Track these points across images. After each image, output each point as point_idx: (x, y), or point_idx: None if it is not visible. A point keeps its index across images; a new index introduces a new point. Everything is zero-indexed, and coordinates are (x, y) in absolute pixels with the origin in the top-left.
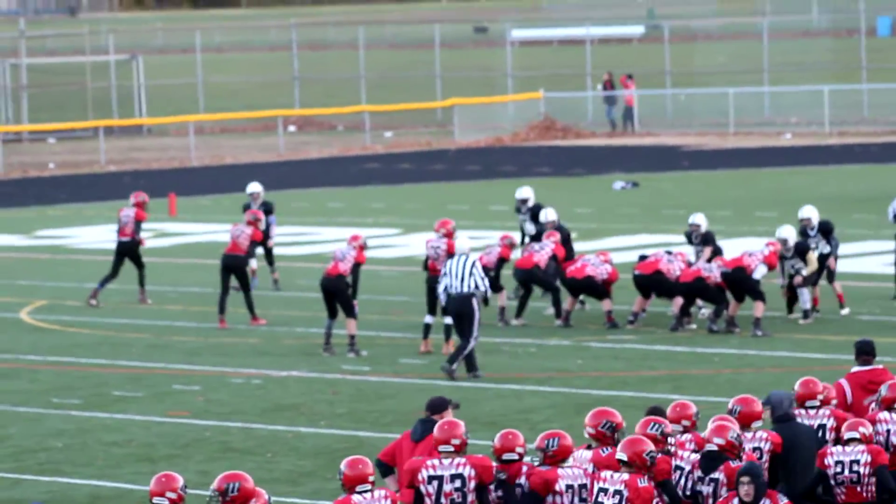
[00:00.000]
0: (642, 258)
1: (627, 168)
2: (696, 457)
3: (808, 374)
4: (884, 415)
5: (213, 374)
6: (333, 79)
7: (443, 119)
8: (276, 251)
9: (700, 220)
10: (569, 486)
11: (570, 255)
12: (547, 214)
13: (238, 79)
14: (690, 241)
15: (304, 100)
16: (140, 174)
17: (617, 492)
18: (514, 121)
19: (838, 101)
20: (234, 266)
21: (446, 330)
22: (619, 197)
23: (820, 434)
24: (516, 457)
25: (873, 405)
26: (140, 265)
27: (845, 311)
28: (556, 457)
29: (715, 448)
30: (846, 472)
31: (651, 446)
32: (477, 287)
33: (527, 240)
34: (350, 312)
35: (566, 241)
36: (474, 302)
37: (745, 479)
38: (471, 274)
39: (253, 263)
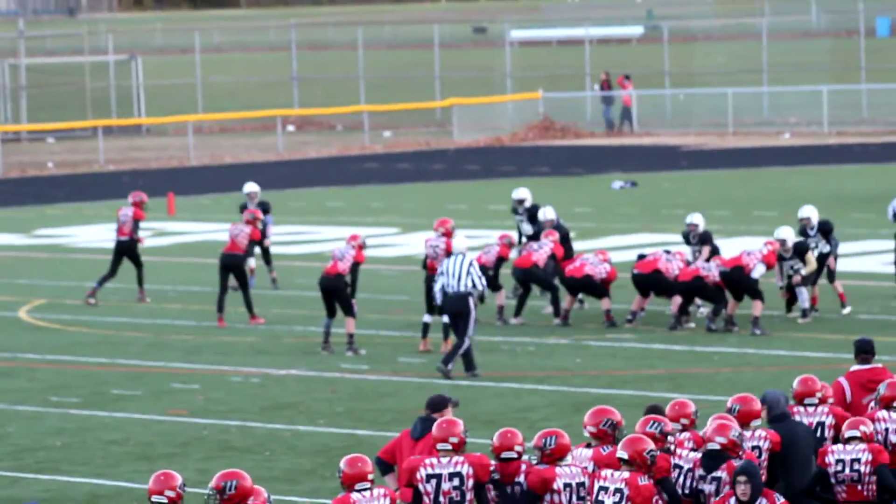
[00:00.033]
0: (641, 257)
1: (626, 168)
2: (694, 455)
3: (807, 373)
4: (882, 413)
5: (212, 372)
6: (332, 79)
7: (442, 119)
8: (275, 250)
9: (698, 219)
10: (567, 485)
11: (568, 255)
12: (545, 213)
13: (237, 79)
14: (688, 241)
15: (304, 100)
16: (139, 174)
17: (617, 490)
18: (513, 121)
19: (837, 102)
20: (232, 265)
21: (445, 329)
22: (618, 196)
23: (819, 432)
24: (515, 455)
25: (872, 404)
26: (139, 264)
27: (847, 311)
28: (553, 455)
29: (717, 447)
30: (847, 470)
31: (651, 445)
32: (473, 286)
33: (524, 240)
34: (349, 311)
35: (565, 240)
36: (470, 301)
37: (741, 478)
38: (467, 273)
39: (251, 262)
